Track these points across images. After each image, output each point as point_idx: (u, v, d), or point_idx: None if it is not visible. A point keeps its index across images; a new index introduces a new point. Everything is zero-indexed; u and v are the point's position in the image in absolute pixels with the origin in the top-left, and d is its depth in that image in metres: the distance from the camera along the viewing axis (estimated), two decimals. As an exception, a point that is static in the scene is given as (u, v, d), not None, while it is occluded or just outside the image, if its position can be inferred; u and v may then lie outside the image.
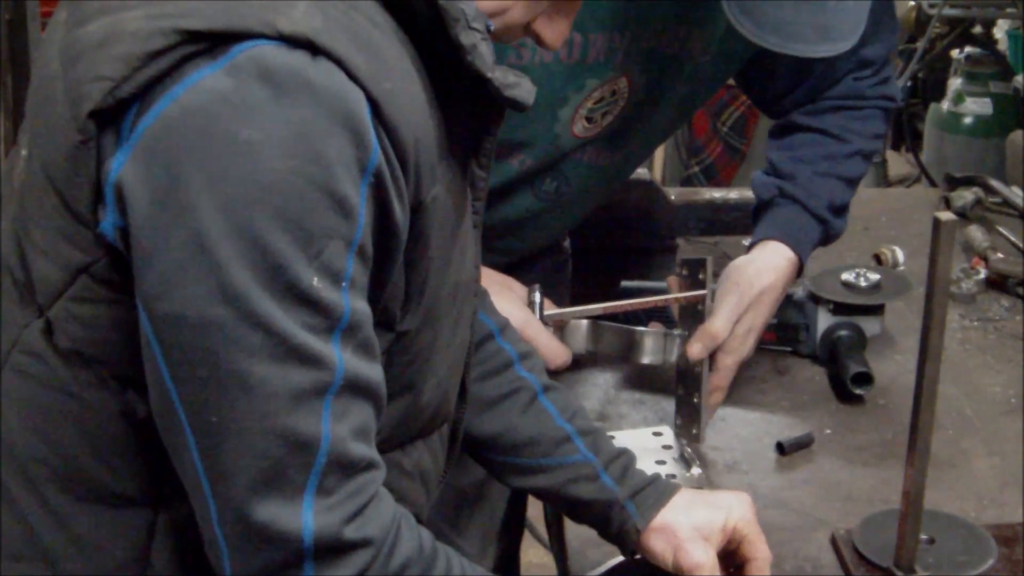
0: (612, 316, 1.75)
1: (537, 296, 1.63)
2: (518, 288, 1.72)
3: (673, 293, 1.74)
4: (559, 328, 1.71)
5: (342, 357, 0.99)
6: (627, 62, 1.69)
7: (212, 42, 0.96)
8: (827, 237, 1.90)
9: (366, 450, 1.03)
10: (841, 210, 1.90)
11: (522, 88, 1.11)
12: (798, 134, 1.90)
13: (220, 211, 0.94)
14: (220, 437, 0.97)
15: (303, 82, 0.95)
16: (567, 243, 2.05)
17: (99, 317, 1.04)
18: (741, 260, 1.80)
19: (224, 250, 0.94)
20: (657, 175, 4.07)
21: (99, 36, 1.01)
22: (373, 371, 1.04)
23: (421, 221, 1.06)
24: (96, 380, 1.06)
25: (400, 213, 1.03)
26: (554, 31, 1.19)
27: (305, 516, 0.98)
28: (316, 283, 0.96)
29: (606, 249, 2.15)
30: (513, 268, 1.91)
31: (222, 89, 0.95)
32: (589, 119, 1.72)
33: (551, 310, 1.68)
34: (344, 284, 0.98)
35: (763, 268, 1.78)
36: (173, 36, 0.97)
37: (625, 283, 2.03)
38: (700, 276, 1.61)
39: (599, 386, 1.89)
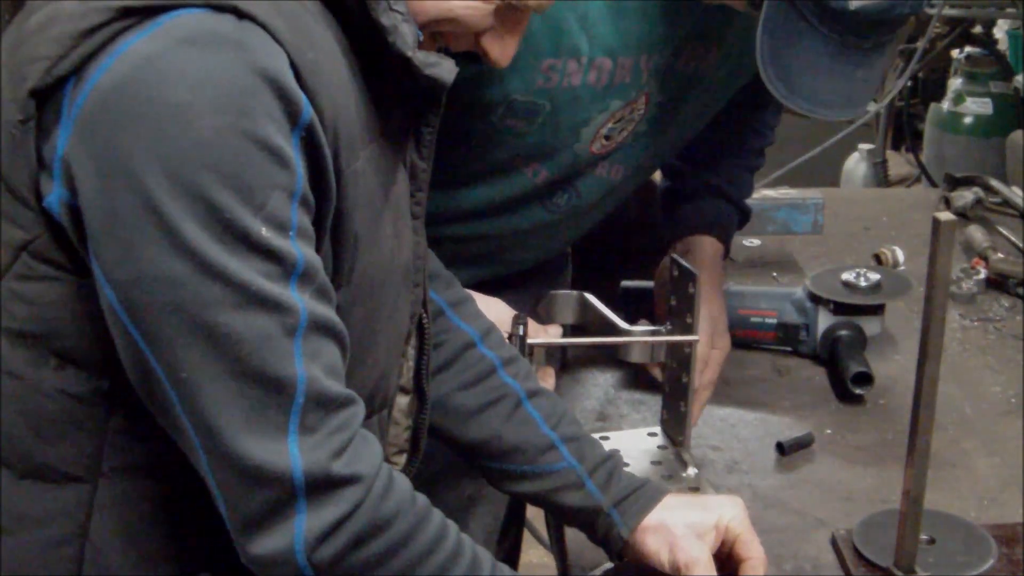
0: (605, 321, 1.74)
1: (521, 328, 1.62)
2: (503, 311, 1.70)
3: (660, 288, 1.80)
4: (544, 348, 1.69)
5: (302, 300, 1.02)
6: (649, 81, 1.69)
7: (143, 16, 1.00)
8: (741, 225, 2.02)
9: (341, 387, 1.05)
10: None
11: (442, 68, 1.14)
12: (723, 124, 1.93)
13: (162, 172, 0.96)
14: (197, 390, 1.00)
15: (228, 42, 0.98)
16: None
17: (40, 294, 1.07)
18: (694, 262, 1.81)
19: (172, 209, 0.97)
20: (657, 175, 4.06)
21: (40, 21, 1.05)
22: (334, 314, 1.06)
23: (341, 192, 1.08)
24: (37, 359, 1.08)
25: (331, 173, 1.06)
26: (502, 49, 1.22)
27: (292, 453, 1.01)
28: (265, 232, 0.99)
29: (606, 249, 2.15)
30: (514, 275, 1.91)
31: (149, 53, 0.98)
32: (607, 137, 1.72)
33: (537, 337, 1.66)
34: (292, 233, 1.01)
35: (711, 267, 1.88)
36: (107, 13, 1.00)
37: (625, 283, 2.03)
38: (690, 290, 1.60)
39: (599, 386, 1.89)
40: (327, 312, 1.05)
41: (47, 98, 1.02)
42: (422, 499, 1.12)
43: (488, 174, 1.74)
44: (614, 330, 1.70)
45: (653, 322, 1.79)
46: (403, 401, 1.34)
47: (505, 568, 1.19)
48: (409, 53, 1.11)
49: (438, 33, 1.19)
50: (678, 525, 1.34)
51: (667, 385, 1.70)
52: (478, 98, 1.61)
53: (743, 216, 2.01)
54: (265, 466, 1.00)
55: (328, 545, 1.03)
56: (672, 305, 1.65)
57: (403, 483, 1.10)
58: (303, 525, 1.02)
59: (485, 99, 1.62)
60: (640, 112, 1.72)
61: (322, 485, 1.02)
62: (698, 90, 1.77)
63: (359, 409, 1.07)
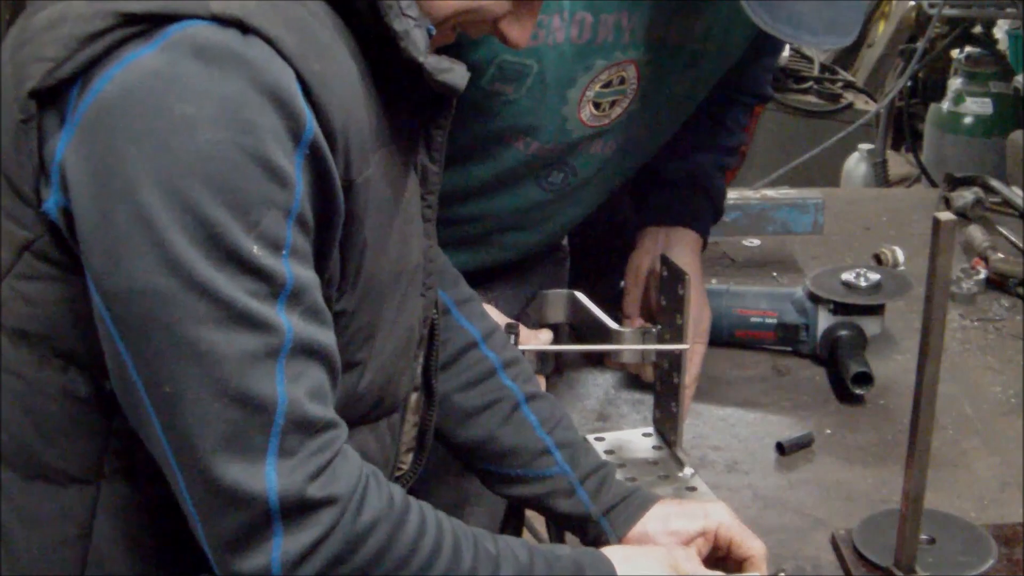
0: (601, 329, 1.73)
1: (513, 338, 1.60)
2: (496, 318, 1.69)
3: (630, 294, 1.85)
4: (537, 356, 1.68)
5: (289, 321, 1.01)
6: (635, 47, 1.69)
7: (149, 24, 0.99)
8: (714, 222, 2.03)
9: (324, 410, 1.04)
10: None
11: (454, 73, 1.14)
12: (695, 120, 1.93)
13: (158, 184, 0.96)
14: (177, 406, 0.99)
15: (233, 57, 0.98)
16: (566, 242, 2.05)
17: (42, 294, 1.07)
18: (675, 258, 1.81)
19: (164, 222, 0.96)
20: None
21: (46, 21, 1.04)
22: (324, 336, 1.05)
23: (352, 201, 1.08)
24: (39, 359, 1.08)
25: (337, 187, 1.05)
26: (520, 31, 1.22)
27: (269, 476, 1.00)
28: (256, 251, 0.98)
29: (604, 249, 2.15)
30: (512, 267, 1.91)
31: (156, 66, 0.98)
32: (596, 104, 1.72)
33: (528, 343, 1.65)
34: (284, 252, 1.00)
35: (693, 261, 1.88)
36: (112, 18, 1.00)
37: (623, 283, 2.02)
38: (680, 291, 1.59)
39: (599, 386, 1.89)
40: (316, 334, 1.04)
41: (49, 100, 1.02)
42: (399, 497, 1.11)
43: (479, 149, 1.74)
44: (604, 331, 1.70)
45: (648, 319, 1.79)
46: (411, 398, 1.34)
47: (487, 537, 1.16)
48: (421, 59, 1.10)
49: (456, 23, 1.19)
50: (661, 535, 1.35)
51: (658, 385, 1.70)
52: (468, 60, 1.60)
53: (716, 213, 2.01)
54: (240, 488, 0.99)
55: (306, 566, 1.02)
56: (663, 305, 1.65)
57: (377, 489, 1.09)
58: (279, 548, 1.01)
59: (474, 61, 1.61)
60: (633, 87, 1.72)
61: (297, 508, 1.01)
62: (686, 64, 1.77)
63: (341, 432, 1.06)
